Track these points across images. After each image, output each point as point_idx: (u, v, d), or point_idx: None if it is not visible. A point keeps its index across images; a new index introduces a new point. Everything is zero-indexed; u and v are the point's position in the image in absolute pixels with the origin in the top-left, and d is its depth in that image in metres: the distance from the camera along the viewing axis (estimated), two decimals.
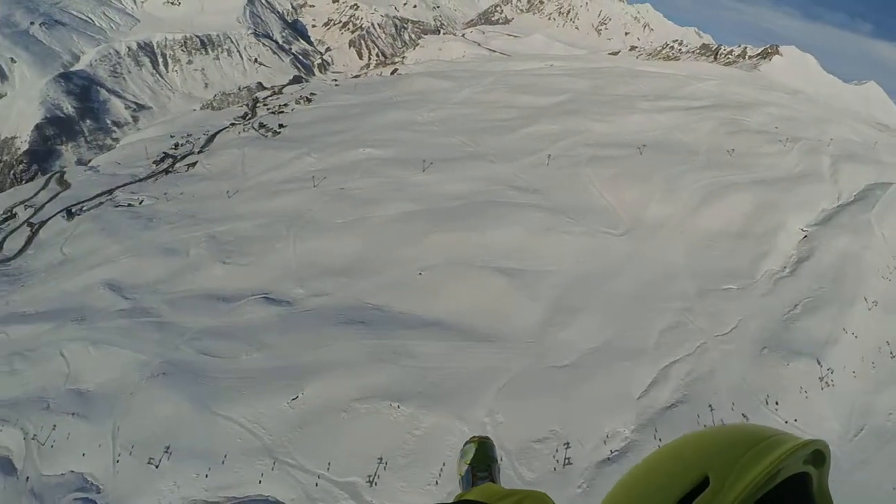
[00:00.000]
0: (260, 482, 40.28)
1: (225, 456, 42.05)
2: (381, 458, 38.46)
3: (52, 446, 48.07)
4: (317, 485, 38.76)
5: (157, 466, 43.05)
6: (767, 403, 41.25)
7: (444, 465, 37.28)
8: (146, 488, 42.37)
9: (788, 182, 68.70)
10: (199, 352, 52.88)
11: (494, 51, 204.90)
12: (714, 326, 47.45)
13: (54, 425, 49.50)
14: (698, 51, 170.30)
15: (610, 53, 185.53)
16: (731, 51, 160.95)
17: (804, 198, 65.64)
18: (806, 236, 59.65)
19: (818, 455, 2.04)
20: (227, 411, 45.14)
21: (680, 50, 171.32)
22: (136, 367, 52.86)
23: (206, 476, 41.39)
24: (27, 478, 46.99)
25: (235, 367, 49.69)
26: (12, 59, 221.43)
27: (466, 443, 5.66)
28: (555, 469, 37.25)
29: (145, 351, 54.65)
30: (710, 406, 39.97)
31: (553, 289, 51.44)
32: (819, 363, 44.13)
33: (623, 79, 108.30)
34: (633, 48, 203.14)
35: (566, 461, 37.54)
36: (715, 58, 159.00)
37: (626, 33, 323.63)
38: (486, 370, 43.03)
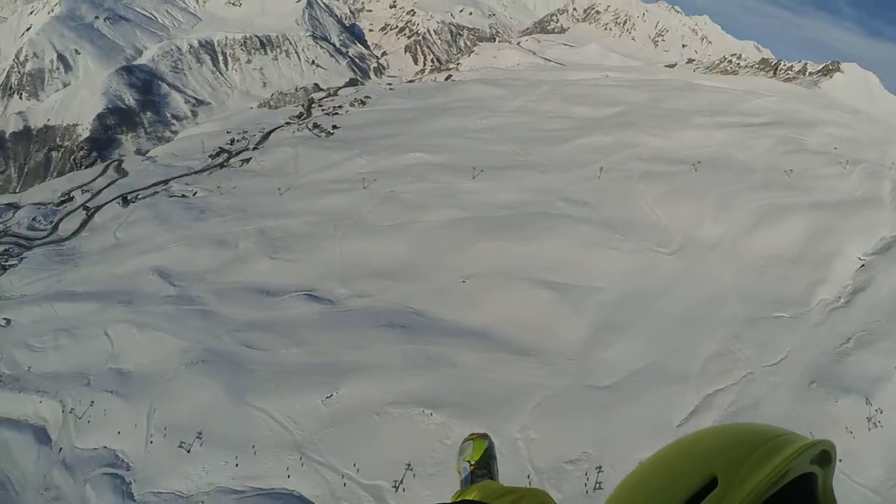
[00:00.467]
0: (288, 477, 40.41)
1: (255, 447, 42.41)
2: (409, 465, 38.02)
3: (88, 421, 49.40)
4: (344, 485, 38.61)
5: (188, 451, 43.83)
6: None
7: None
8: (175, 471, 43.14)
9: (847, 207, 65.72)
10: (239, 343, 53.51)
11: (549, 60, 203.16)
12: (762, 356, 45.48)
13: (92, 401, 50.95)
14: (757, 65, 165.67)
15: (666, 66, 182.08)
16: (791, 66, 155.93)
17: (863, 224, 62.64)
18: (863, 265, 56.89)
19: (825, 455, 2.01)
20: (262, 403, 45.49)
21: (738, 64, 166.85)
22: (178, 353, 53.87)
23: (235, 465, 41.88)
24: (60, 449, 48.54)
25: (274, 360, 50.11)
26: (77, 50, 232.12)
27: (465, 440, 5.69)
28: (586, 492, 36.18)
29: (188, 338, 55.61)
30: None
31: (599, 306, 50.05)
32: (868, 402, 41.58)
33: (680, 92, 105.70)
34: (690, 61, 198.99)
35: (597, 485, 36.44)
36: (774, 73, 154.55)
37: (684, 45, 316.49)
38: (523, 384, 42.09)
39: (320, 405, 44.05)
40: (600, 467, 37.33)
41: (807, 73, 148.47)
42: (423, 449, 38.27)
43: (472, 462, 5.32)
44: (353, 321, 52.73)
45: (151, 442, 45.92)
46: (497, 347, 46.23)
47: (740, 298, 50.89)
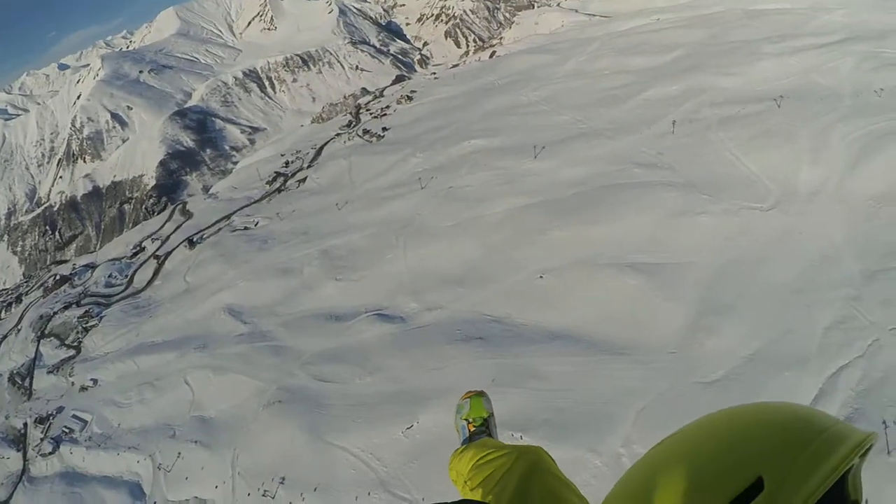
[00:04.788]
0: None
1: (338, 488, 40.28)
2: None
3: (178, 474, 50.08)
4: None
5: (272, 497, 42.62)
6: None
7: None
8: None
9: None
10: (313, 377, 51.38)
11: (594, 14, 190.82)
12: (888, 317, 35.97)
13: (179, 453, 51.44)
14: None
15: None
16: None
17: None
18: None
19: (868, 448, 1.85)
20: (341, 441, 43.16)
21: None
22: (255, 395, 52.85)
23: None
24: (154, 502, 49.61)
25: (349, 392, 47.50)
26: (128, 106, 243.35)
27: (462, 398, 5.58)
28: None
29: (262, 377, 54.39)
30: (883, 422, 30.43)
31: (695, 285, 42.63)
32: None
33: (740, 22, 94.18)
34: None
35: None
36: None
37: None
38: (621, 391, 36.30)
39: (401, 437, 40.74)
40: None
41: None
42: None
43: (470, 419, 5.17)
44: (427, 338, 48.87)
45: (248, 494, 44.39)
46: (587, 349, 40.52)
47: (853, 252, 41.52)
